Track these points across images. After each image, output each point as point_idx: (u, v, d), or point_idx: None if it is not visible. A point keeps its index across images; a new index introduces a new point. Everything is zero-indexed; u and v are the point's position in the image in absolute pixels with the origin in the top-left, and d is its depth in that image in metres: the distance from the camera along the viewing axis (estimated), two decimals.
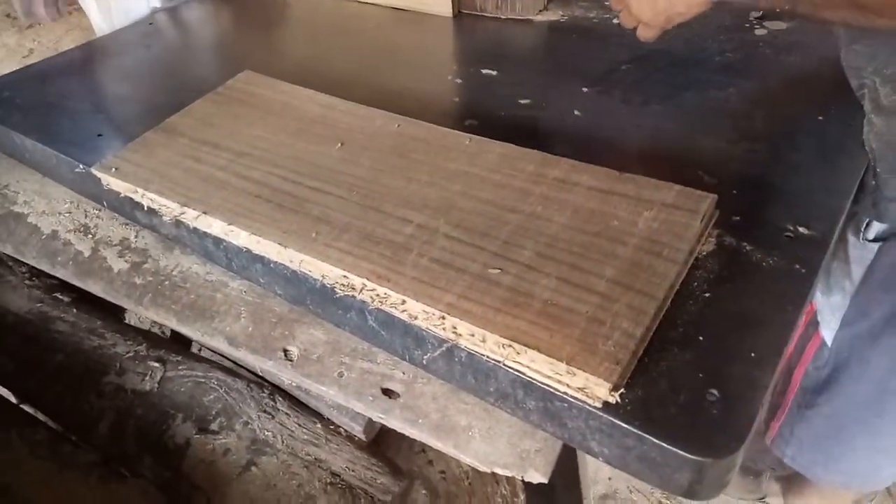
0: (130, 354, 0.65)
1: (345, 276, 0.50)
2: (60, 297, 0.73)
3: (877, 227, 0.67)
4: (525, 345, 0.42)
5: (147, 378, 0.63)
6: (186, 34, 1.05)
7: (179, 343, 0.82)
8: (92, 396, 0.63)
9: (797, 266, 0.50)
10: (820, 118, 0.67)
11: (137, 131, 0.69)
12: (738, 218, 0.54)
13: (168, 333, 0.87)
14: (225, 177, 0.61)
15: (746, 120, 0.68)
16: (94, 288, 0.67)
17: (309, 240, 0.53)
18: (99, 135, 0.76)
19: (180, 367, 0.63)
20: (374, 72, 0.84)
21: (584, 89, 0.76)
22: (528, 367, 0.43)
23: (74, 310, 0.71)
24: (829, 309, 0.75)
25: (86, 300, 0.73)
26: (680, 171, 0.61)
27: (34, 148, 0.76)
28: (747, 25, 0.87)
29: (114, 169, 0.64)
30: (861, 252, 0.69)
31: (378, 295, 0.49)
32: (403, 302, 0.47)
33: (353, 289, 0.50)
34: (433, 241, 0.51)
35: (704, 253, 0.52)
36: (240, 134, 0.67)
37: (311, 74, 0.81)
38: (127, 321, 0.82)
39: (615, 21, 0.91)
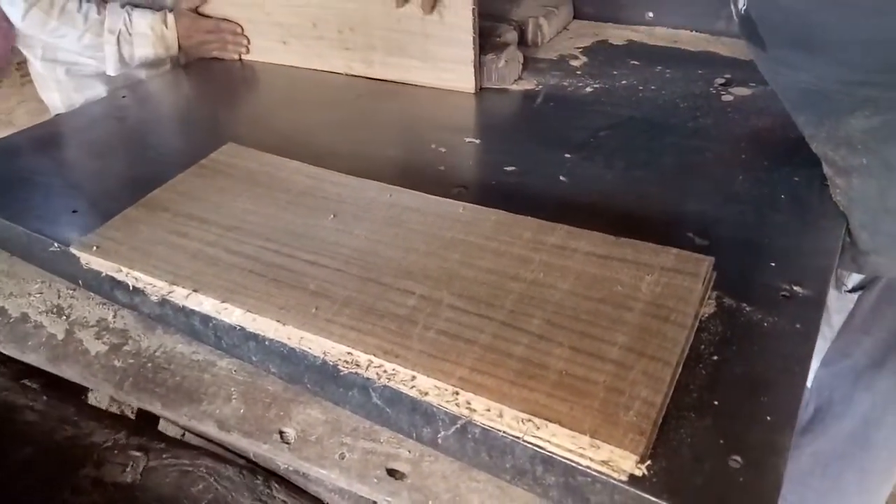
0: (109, 444, 0.61)
1: (349, 353, 0.48)
2: (29, 383, 0.68)
3: (855, 278, 0.69)
4: (546, 419, 0.41)
5: (128, 469, 0.58)
6: (161, 107, 1.05)
7: (147, 423, 0.78)
8: (66, 493, 0.58)
9: (797, 325, 0.51)
10: (796, 179, 0.69)
11: (115, 207, 0.67)
12: (734, 279, 0.55)
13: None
14: (214, 252, 0.60)
15: (727, 183, 0.70)
16: (69, 373, 0.64)
17: (308, 315, 0.51)
18: (74, 211, 0.73)
19: (164, 456, 0.59)
20: (356, 142, 0.85)
21: (567, 155, 0.77)
22: (548, 441, 0.42)
23: (45, 397, 0.67)
24: None
25: (57, 386, 0.69)
26: (670, 233, 0.62)
27: (2, 226, 0.73)
28: (713, 91, 0.91)
29: (95, 247, 0.62)
30: (841, 302, 0.72)
31: (385, 371, 0.47)
32: (413, 378, 0.46)
33: (359, 366, 0.48)
34: (438, 313, 0.50)
35: (707, 315, 0.52)
36: (227, 207, 0.66)
37: (293, 146, 0.80)
38: (97, 403, 0.77)
39: (588, 90, 0.95)
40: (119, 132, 0.92)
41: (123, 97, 1.03)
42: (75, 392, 0.75)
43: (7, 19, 1.03)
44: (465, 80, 0.94)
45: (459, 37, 0.90)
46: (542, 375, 0.44)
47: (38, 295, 0.72)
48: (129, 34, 1.04)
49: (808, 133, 0.68)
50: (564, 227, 0.58)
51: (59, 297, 0.71)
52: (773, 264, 0.57)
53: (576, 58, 1.06)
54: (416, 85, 0.98)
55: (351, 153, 0.81)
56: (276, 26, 1.06)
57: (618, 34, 1.15)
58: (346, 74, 1.04)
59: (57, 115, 1.00)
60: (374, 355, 0.47)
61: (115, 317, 0.68)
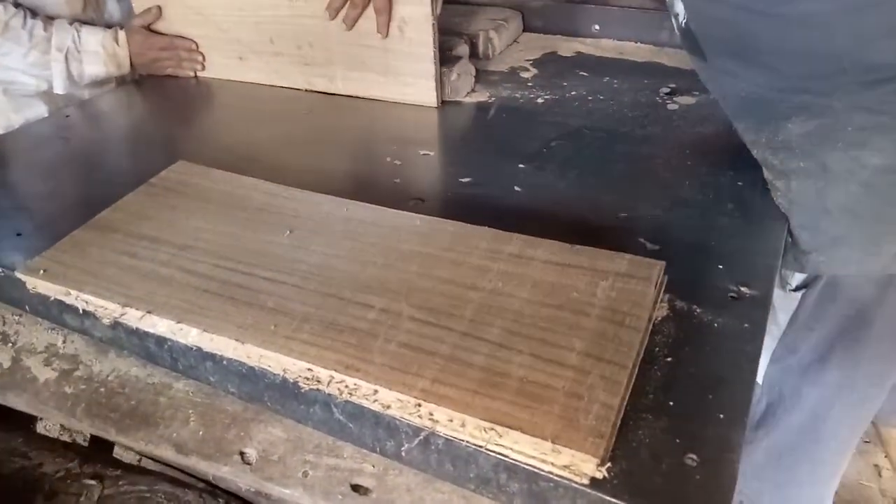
0: (61, 473, 0.59)
1: (310, 370, 0.48)
2: None
3: (798, 277, 0.72)
4: (508, 426, 0.41)
5: (83, 499, 0.57)
6: (107, 125, 1.02)
7: (100, 450, 0.75)
8: None
9: (746, 325, 0.53)
10: (739, 183, 0.72)
11: (63, 229, 0.65)
12: (685, 282, 0.57)
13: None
14: (168, 272, 0.58)
15: (676, 188, 0.72)
16: (17, 402, 0.61)
17: (268, 333, 0.51)
18: (18, 234, 0.71)
19: (121, 483, 0.57)
20: (311, 157, 0.85)
21: (521, 166, 0.79)
22: (511, 448, 0.42)
23: None
24: None
25: (4, 415, 0.66)
26: (623, 239, 0.64)
27: None
28: (659, 100, 0.94)
29: (42, 271, 0.60)
30: (786, 301, 0.75)
31: (347, 386, 0.47)
32: (375, 392, 0.46)
33: (320, 382, 0.48)
34: (398, 325, 0.50)
35: (660, 318, 0.54)
36: (179, 226, 0.64)
37: (247, 162, 0.80)
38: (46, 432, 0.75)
39: (539, 101, 0.96)
40: (65, 152, 0.90)
41: (67, 116, 1.00)
42: (23, 421, 0.72)
43: None
44: (426, 95, 0.94)
45: (420, 51, 0.90)
46: (504, 383, 0.45)
47: None
48: (78, 52, 1.01)
49: (749, 139, 0.71)
50: (521, 237, 0.59)
51: (3, 323, 0.69)
52: (720, 266, 0.59)
53: (526, 70, 1.08)
54: (375, 99, 0.98)
55: (306, 168, 0.81)
56: (232, 42, 1.04)
57: (566, 46, 1.17)
58: (306, 90, 1.03)
59: None
60: (336, 371, 0.47)
61: (64, 342, 0.66)
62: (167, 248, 0.61)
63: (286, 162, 0.83)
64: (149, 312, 0.54)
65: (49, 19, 1.01)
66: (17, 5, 0.99)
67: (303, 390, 0.49)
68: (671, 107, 0.92)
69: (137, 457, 0.66)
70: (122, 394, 0.60)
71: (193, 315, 0.53)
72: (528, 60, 1.12)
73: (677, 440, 0.43)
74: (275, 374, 0.50)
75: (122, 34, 1.04)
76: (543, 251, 0.57)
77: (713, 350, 0.50)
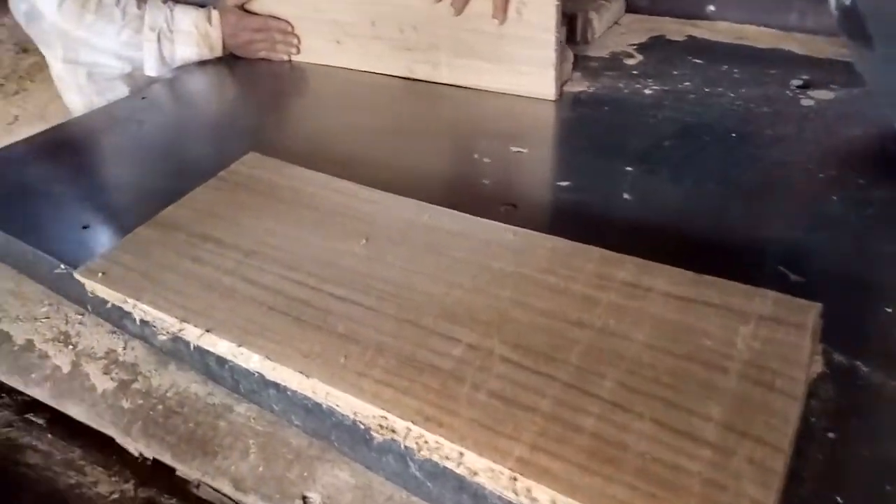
0: (115, 496, 0.54)
1: (384, 417, 0.41)
2: (34, 418, 0.62)
3: None
4: None
5: None
6: (184, 109, 0.98)
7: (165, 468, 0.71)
8: None
9: None
10: None
11: (130, 223, 0.61)
12: (842, 329, 0.46)
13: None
14: (231, 282, 0.52)
15: (818, 204, 0.60)
16: (74, 411, 0.57)
17: (337, 366, 0.44)
18: (85, 227, 0.67)
19: None
20: (394, 151, 0.77)
21: (628, 168, 0.68)
22: None
23: (49, 435, 0.61)
24: None
25: (65, 420, 0.63)
26: (758, 267, 0.53)
27: (7, 242, 0.67)
28: (790, 94, 0.81)
29: (100, 273, 0.55)
30: None
31: (427, 442, 0.39)
32: (461, 455, 0.38)
33: (395, 432, 0.41)
34: (489, 368, 0.42)
35: (815, 375, 0.43)
36: (247, 228, 0.59)
37: (323, 154, 0.73)
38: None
39: (647, 91, 0.85)
40: (138, 138, 0.86)
41: (143, 98, 0.97)
42: (83, 429, 0.69)
43: None
44: (544, 86, 0.84)
45: (541, 37, 0.80)
46: (620, 459, 0.36)
47: (44, 320, 0.66)
48: (171, 31, 0.98)
49: None
50: (635, 260, 0.49)
51: (66, 322, 0.65)
52: (888, 309, 0.48)
53: (631, 56, 0.97)
54: (479, 89, 0.89)
55: (387, 163, 0.74)
56: (329, 24, 0.97)
57: (675, 29, 1.05)
58: (405, 78, 0.94)
59: (70, 119, 0.94)
60: (414, 422, 0.40)
61: (125, 348, 0.61)
62: (232, 252, 0.56)
63: (367, 155, 0.76)
64: (208, 331, 0.48)
65: None
66: None
67: (375, 440, 0.42)
68: (805, 102, 0.79)
69: (197, 482, 0.61)
70: (181, 414, 0.55)
71: (256, 337, 0.47)
72: (632, 45, 1.00)
73: None
74: (343, 415, 0.44)
75: (215, 14, 1.00)
76: (664, 280, 0.47)
77: (889, 423, 0.40)
